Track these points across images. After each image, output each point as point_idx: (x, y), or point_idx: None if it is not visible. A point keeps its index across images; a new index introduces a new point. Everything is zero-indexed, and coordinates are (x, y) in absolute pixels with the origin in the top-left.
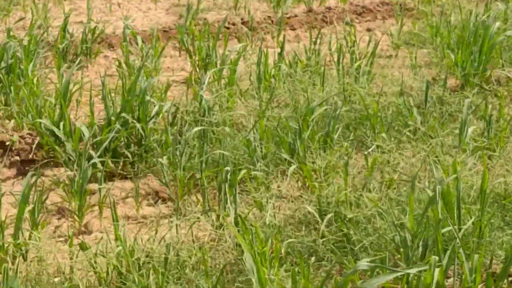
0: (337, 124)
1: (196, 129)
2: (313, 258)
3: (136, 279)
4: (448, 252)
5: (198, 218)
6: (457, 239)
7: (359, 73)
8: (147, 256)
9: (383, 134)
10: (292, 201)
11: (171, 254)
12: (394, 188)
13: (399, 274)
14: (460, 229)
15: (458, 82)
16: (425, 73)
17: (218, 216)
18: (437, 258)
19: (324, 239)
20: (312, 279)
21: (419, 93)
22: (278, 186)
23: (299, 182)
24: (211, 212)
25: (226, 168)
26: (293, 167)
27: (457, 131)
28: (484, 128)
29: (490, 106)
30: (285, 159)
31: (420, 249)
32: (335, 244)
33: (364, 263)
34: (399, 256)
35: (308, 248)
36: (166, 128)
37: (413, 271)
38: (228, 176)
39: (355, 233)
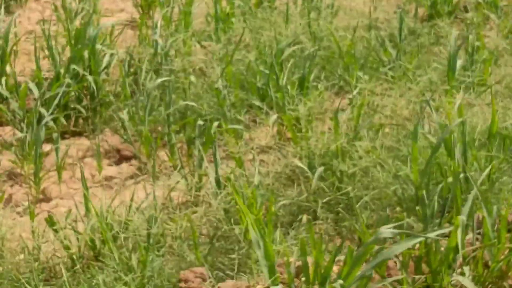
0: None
1: (159, 80)
2: (304, 218)
3: (116, 257)
4: (467, 206)
5: (178, 181)
6: (476, 191)
7: (321, 7)
8: (125, 229)
9: (359, 73)
10: (273, 154)
11: (154, 226)
12: (386, 135)
13: (421, 239)
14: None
15: (425, 12)
16: (387, 4)
17: (194, 176)
18: (464, 218)
19: (324, 199)
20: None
21: (388, 25)
22: (250, 137)
23: (274, 131)
24: (184, 171)
25: (199, 122)
26: (274, 116)
27: (435, 65)
28: (466, 61)
29: (470, 36)
30: (258, 107)
31: (436, 205)
32: (330, 202)
33: (387, 230)
34: (400, 209)
35: (299, 207)
36: (123, 79)
37: (435, 233)
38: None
39: (352, 188)
